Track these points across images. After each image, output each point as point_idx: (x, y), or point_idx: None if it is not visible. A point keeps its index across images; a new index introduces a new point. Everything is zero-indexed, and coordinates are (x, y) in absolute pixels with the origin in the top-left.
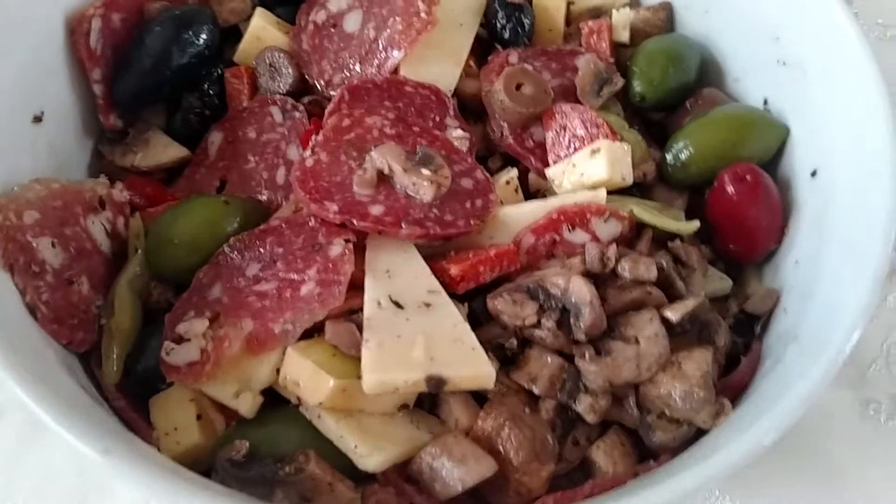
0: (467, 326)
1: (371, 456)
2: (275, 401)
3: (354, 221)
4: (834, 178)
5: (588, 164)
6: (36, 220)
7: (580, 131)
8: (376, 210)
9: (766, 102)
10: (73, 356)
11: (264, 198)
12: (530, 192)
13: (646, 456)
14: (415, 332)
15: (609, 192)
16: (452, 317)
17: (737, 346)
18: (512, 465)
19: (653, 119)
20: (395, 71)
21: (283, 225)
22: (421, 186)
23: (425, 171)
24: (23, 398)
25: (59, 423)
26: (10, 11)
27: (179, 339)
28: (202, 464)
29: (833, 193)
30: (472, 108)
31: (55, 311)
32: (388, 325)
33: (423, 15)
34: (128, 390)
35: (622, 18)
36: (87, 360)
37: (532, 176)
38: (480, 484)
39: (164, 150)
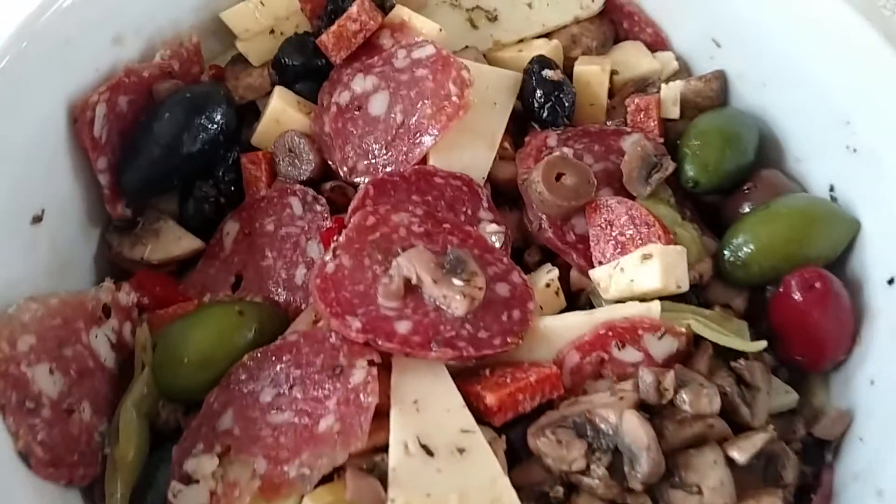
0: (507, 482)
1: None
2: None
3: (380, 341)
4: None
5: (639, 270)
6: (31, 345)
7: (628, 230)
8: (403, 328)
9: (832, 189)
10: (73, 493)
11: (282, 298)
12: (572, 291)
13: None
14: (448, 489)
15: (662, 298)
16: (490, 468)
17: (805, 475)
18: None
19: (705, 201)
20: (424, 158)
21: (302, 341)
22: (453, 300)
23: (457, 282)
24: None
25: None
26: (6, 105)
27: (188, 479)
28: None
29: None
30: (507, 194)
31: (52, 451)
32: (417, 478)
33: (454, 99)
34: None
35: (672, 93)
36: (89, 494)
37: (574, 273)
38: None
39: (176, 242)
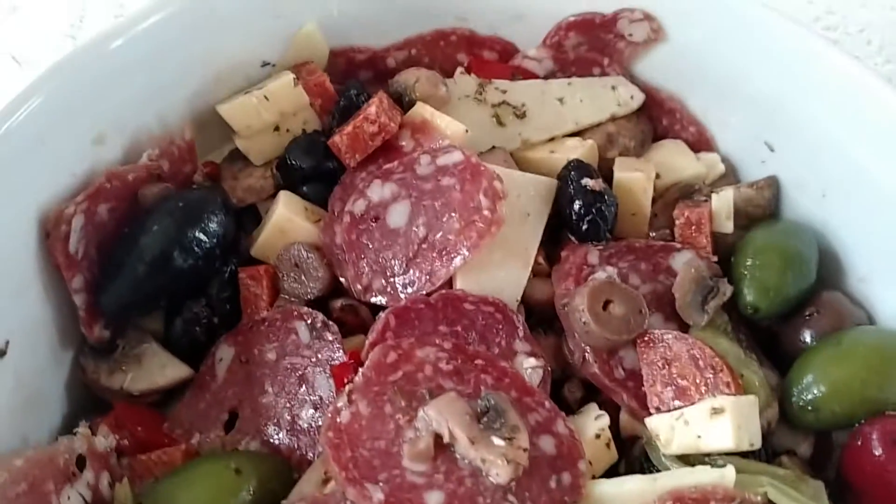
0: None
1: None
2: None
3: None
4: None
5: (707, 425)
6: None
7: (691, 373)
8: (434, 499)
9: None
10: None
11: (284, 444)
12: (622, 437)
13: None
14: None
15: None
16: None
17: None
18: None
19: (761, 325)
20: (450, 279)
21: None
22: (493, 465)
23: (497, 441)
24: None
25: None
26: None
27: None
28: None
29: None
30: (540, 314)
31: None
32: None
33: (486, 213)
34: None
35: (725, 204)
36: None
37: (625, 417)
38: None
39: (160, 371)
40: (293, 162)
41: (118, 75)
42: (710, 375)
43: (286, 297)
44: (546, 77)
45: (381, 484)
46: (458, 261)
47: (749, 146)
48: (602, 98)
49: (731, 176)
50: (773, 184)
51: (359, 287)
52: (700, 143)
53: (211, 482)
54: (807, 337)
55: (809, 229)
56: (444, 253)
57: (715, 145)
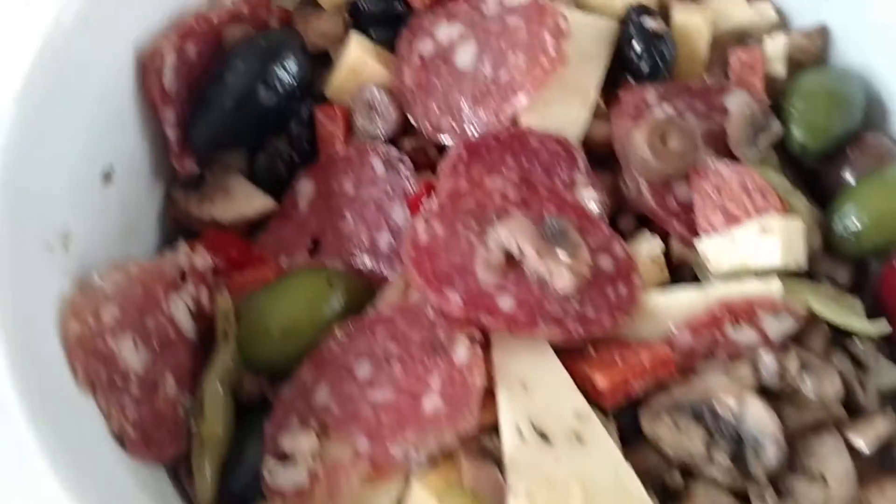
0: (631, 471)
1: None
2: None
3: (483, 318)
4: None
5: (756, 243)
6: (116, 317)
7: (742, 198)
8: (507, 304)
9: None
10: (160, 472)
11: (366, 265)
12: (673, 263)
13: None
14: (569, 477)
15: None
16: (611, 455)
17: None
18: None
19: (806, 166)
20: (515, 117)
21: (396, 314)
22: (559, 275)
23: (562, 255)
24: None
25: None
26: (72, 59)
27: (283, 456)
28: None
29: None
30: (597, 154)
31: (143, 430)
32: (535, 465)
33: (550, 51)
34: None
35: (778, 48)
36: (175, 473)
37: (676, 244)
38: None
39: (247, 201)
40: (364, 4)
41: None
42: (760, 199)
43: (360, 135)
44: None
45: (458, 290)
46: (523, 99)
47: None
48: None
49: (782, 25)
50: (823, 32)
51: (428, 126)
52: None
53: (306, 291)
54: (848, 175)
55: (857, 75)
56: (509, 91)
57: None
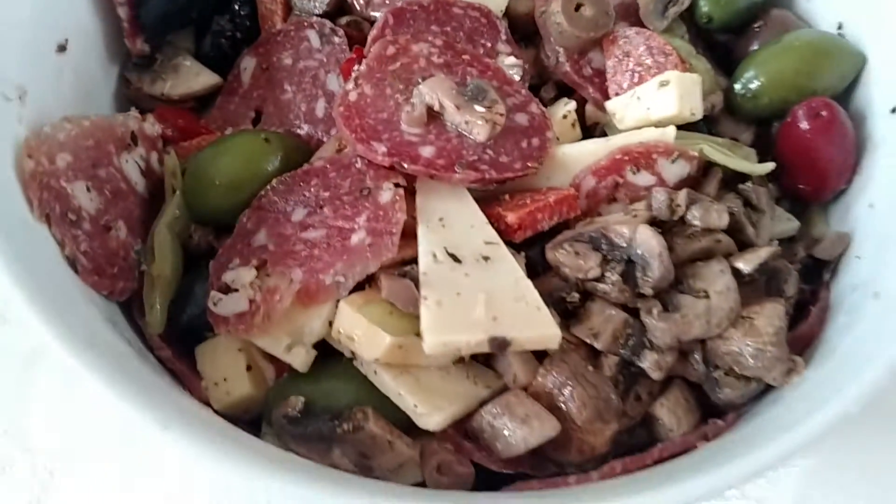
0: (530, 283)
1: (431, 415)
2: (327, 352)
3: (405, 165)
4: None
5: (655, 97)
6: (68, 163)
7: (646, 59)
8: (427, 152)
9: (840, 27)
10: (113, 306)
11: (304, 132)
12: (587, 126)
13: (708, 412)
14: (475, 290)
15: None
16: (513, 272)
17: (803, 293)
18: (575, 423)
19: (717, 41)
20: None
21: (328, 166)
22: (475, 125)
23: (479, 108)
24: (82, 371)
25: (120, 398)
26: None
27: (226, 289)
28: (252, 413)
29: None
30: (523, 30)
31: (94, 260)
32: (446, 281)
33: None
34: (172, 339)
35: None
36: (128, 309)
37: (590, 107)
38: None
39: (195, 78)
40: None
41: None
42: (662, 59)
43: (297, 13)
44: None
45: (384, 141)
46: None
47: None
48: None
49: None
50: None
51: (361, 2)
52: None
53: (245, 148)
54: (755, 46)
55: None
56: None
57: None
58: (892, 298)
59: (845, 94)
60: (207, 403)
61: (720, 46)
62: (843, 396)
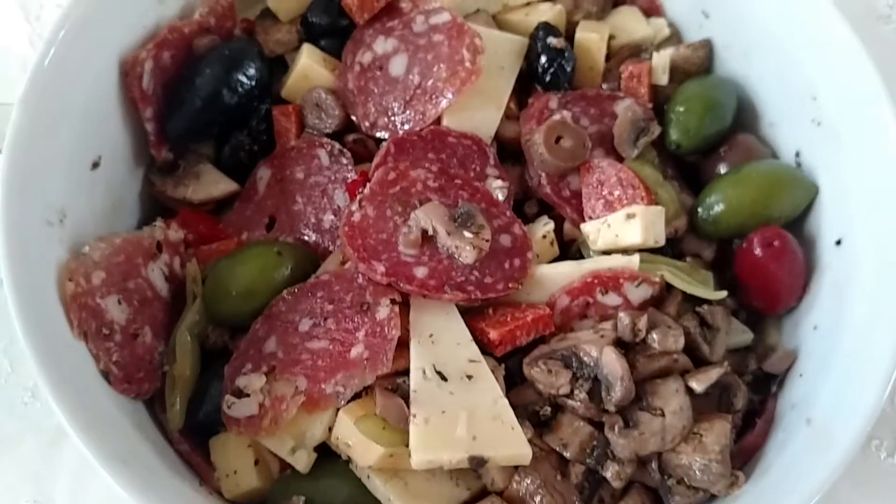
0: (506, 403)
1: None
2: (326, 451)
3: (401, 284)
4: (857, 252)
5: (623, 226)
6: (103, 279)
7: (616, 191)
8: (421, 273)
9: (798, 155)
10: (139, 404)
11: (311, 239)
12: (564, 241)
13: None
14: (458, 408)
15: (641, 250)
16: (493, 391)
17: (753, 402)
18: None
19: (686, 161)
20: (438, 118)
21: (333, 280)
22: (463, 250)
23: (467, 234)
24: (115, 486)
25: None
26: (66, 66)
27: (239, 393)
28: (258, 501)
29: (855, 268)
30: (511, 151)
31: (124, 369)
32: (433, 399)
33: (468, 64)
34: (190, 432)
35: (662, 61)
36: (151, 405)
37: (567, 225)
38: None
39: (214, 184)
40: (314, 19)
41: None
42: (630, 191)
43: (310, 130)
44: None
45: (383, 262)
46: (444, 103)
47: (690, 13)
48: None
49: (675, 38)
50: (706, 45)
51: (366, 124)
52: (651, 9)
53: (259, 260)
54: (721, 169)
55: (731, 83)
56: (433, 97)
57: (663, 11)
58: (820, 427)
59: (798, 220)
60: (219, 492)
61: (689, 165)
62: None
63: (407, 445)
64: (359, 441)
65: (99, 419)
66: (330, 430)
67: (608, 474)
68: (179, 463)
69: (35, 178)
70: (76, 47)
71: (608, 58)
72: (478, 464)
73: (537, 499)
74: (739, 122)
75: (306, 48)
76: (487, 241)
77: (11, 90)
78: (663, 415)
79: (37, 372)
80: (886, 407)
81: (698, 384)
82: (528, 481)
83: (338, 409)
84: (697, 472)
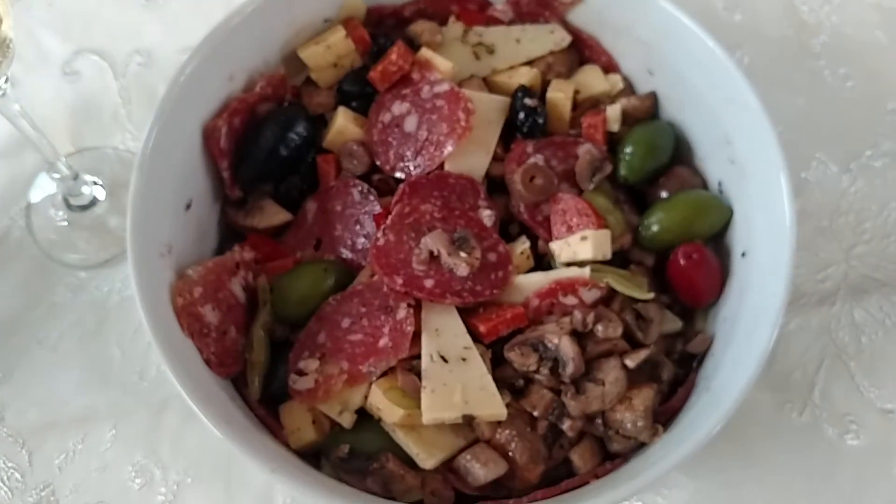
0: (490, 378)
1: (428, 459)
2: (364, 415)
3: (415, 292)
4: (756, 262)
5: (579, 245)
6: (201, 293)
7: (575, 218)
8: (429, 283)
9: (720, 184)
10: (228, 382)
11: (349, 257)
12: (539, 255)
13: (607, 457)
14: (455, 382)
15: (594, 262)
16: (480, 369)
17: (679, 376)
18: (518, 464)
19: (635, 188)
20: (441, 163)
21: (365, 289)
22: (460, 266)
23: (463, 254)
24: (220, 437)
25: (243, 453)
26: (166, 138)
27: (300, 373)
28: (314, 450)
29: (753, 274)
30: (498, 185)
31: (219, 357)
32: (437, 375)
33: (463, 122)
34: (265, 401)
35: (615, 113)
36: (236, 383)
37: (540, 243)
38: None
39: (274, 215)
40: (346, 87)
41: (241, 38)
42: (585, 219)
43: (345, 173)
44: (509, 23)
45: (401, 275)
46: (445, 152)
47: (639, 70)
48: (544, 39)
49: (627, 90)
50: (652, 96)
51: (388, 167)
52: (609, 67)
53: (310, 275)
54: (662, 194)
55: (669, 127)
56: (437, 147)
57: (619, 69)
58: (714, 393)
59: (717, 236)
60: (287, 444)
61: (637, 191)
62: (682, 449)
63: (419, 408)
64: (386, 405)
65: (206, 393)
66: (365, 398)
67: (565, 427)
68: (259, 423)
69: (150, 222)
70: (172, 124)
71: (575, 107)
72: (468, 420)
73: (513, 444)
74: (677, 156)
75: (341, 110)
76: (478, 259)
77: (104, 135)
78: (604, 384)
79: (163, 362)
80: (798, 375)
81: (631, 361)
82: (507, 432)
83: (371, 383)
84: (628, 424)
